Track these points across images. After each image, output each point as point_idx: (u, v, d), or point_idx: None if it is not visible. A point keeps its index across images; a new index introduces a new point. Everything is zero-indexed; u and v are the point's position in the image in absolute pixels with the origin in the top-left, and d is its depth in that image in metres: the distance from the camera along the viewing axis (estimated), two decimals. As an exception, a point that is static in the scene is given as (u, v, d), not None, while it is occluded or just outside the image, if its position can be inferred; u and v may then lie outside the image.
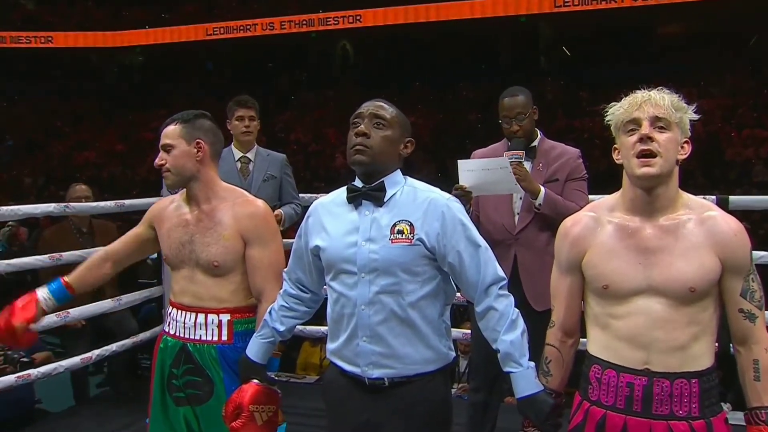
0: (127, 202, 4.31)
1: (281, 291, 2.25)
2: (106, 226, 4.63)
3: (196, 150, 2.35)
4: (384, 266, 1.95)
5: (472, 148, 3.26)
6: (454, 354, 2.11)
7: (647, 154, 1.76)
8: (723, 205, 3.32)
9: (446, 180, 3.03)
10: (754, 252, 1.85)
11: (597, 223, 1.90)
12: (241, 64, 21.98)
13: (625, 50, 17.80)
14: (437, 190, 2.06)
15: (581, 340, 2.00)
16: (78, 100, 22.60)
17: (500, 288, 1.98)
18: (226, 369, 2.33)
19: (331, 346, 2.10)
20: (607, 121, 1.85)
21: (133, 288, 4.44)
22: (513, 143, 3.01)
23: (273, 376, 2.30)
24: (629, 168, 1.80)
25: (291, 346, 5.39)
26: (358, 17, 18.99)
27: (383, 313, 1.96)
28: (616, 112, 1.83)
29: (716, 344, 1.87)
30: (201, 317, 2.35)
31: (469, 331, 3.74)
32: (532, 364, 1.94)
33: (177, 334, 2.38)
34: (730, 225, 1.80)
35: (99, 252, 2.59)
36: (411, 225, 1.96)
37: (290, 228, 4.20)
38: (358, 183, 2.04)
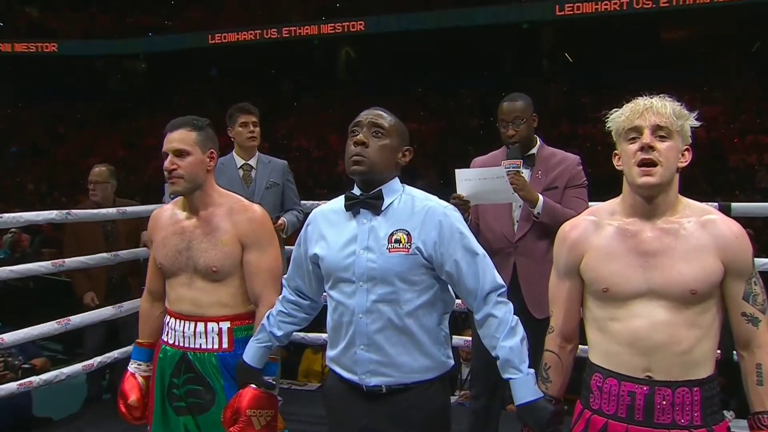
0: (129, 209, 4.31)
1: (280, 297, 2.25)
2: (122, 204, 4.53)
3: (209, 159, 2.35)
4: (382, 275, 1.95)
5: (474, 154, 3.26)
6: (452, 362, 2.10)
7: (648, 163, 1.75)
8: (725, 212, 3.29)
9: (448, 186, 3.02)
10: (757, 259, 1.84)
11: (596, 226, 1.89)
12: (244, 71, 22.03)
13: (629, 56, 17.81)
14: (435, 198, 2.06)
15: (581, 347, 1.99)
16: (82, 106, 22.67)
17: (499, 295, 1.97)
18: (227, 377, 2.32)
19: (330, 353, 2.10)
20: (608, 127, 1.85)
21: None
22: (510, 151, 3.00)
23: (272, 381, 2.29)
24: (630, 176, 1.79)
25: (293, 354, 5.39)
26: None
27: (381, 321, 1.96)
28: (617, 118, 1.82)
29: (718, 351, 1.86)
30: (200, 326, 2.33)
31: (470, 339, 3.74)
32: (532, 370, 1.93)
33: (176, 343, 2.37)
34: (731, 228, 1.79)
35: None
36: (408, 234, 1.96)
37: (293, 235, 4.20)
38: (356, 191, 2.04)
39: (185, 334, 2.35)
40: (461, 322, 4.98)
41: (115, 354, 4.09)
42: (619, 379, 1.80)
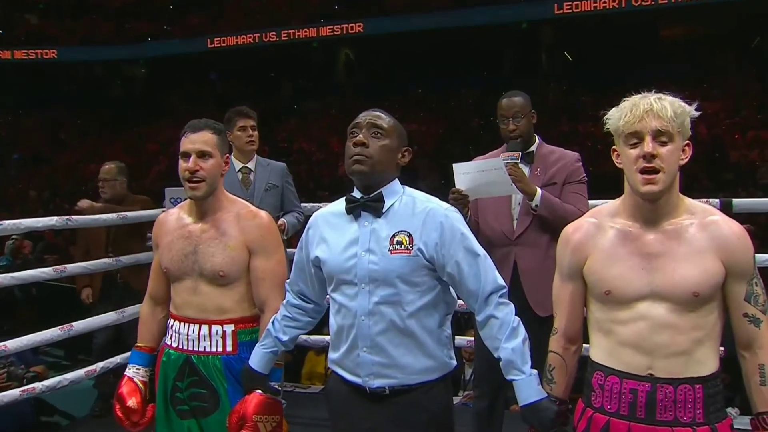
0: (130, 214, 4.30)
1: (284, 301, 2.25)
2: (135, 200, 4.54)
3: (224, 164, 2.36)
4: (383, 277, 1.96)
5: (475, 155, 3.25)
6: (455, 363, 2.11)
7: (650, 171, 1.74)
8: (727, 207, 3.30)
9: (449, 187, 3.01)
10: (759, 255, 1.83)
11: (598, 229, 1.89)
12: (244, 74, 22.05)
13: (628, 54, 17.79)
14: (436, 199, 2.06)
15: (583, 345, 1.98)
16: (82, 112, 22.70)
17: (500, 296, 1.98)
18: (231, 380, 2.32)
19: (332, 355, 2.11)
20: (607, 128, 1.83)
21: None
22: (510, 146, 3.01)
23: (277, 386, 2.29)
24: (632, 182, 1.79)
25: (296, 356, 5.39)
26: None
27: (383, 323, 1.97)
28: (617, 119, 1.80)
29: (722, 348, 1.85)
30: (205, 329, 2.33)
31: (473, 339, 3.73)
32: (535, 371, 1.93)
33: (180, 346, 2.37)
34: (732, 229, 1.79)
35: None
36: (410, 236, 1.97)
37: (294, 237, 4.20)
38: (356, 194, 2.04)
39: (189, 337, 2.34)
40: (464, 322, 4.98)
41: (117, 359, 4.09)
42: (620, 377, 1.79)
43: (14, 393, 3.57)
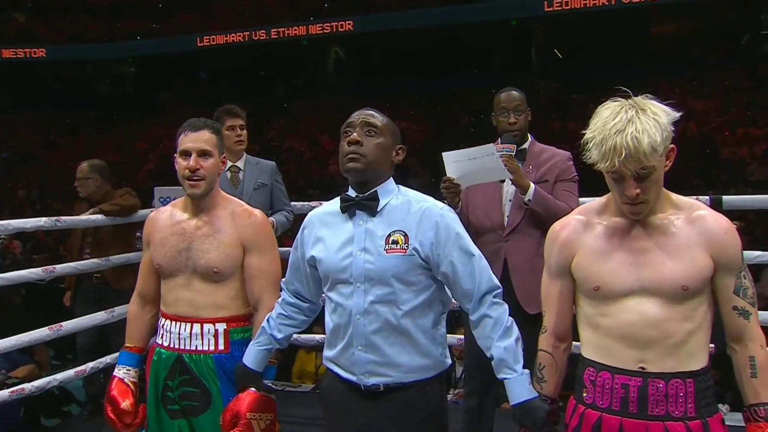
0: (119, 218, 4.28)
1: (280, 300, 2.25)
2: (116, 195, 4.45)
3: (222, 164, 2.38)
4: (379, 276, 1.96)
5: (464, 151, 3.25)
6: (449, 361, 2.11)
7: (636, 204, 1.75)
8: (717, 205, 3.31)
9: (440, 185, 3.01)
10: (749, 252, 1.84)
11: (586, 226, 1.89)
12: (234, 73, 21.98)
13: (619, 51, 17.83)
14: (431, 199, 2.07)
15: (574, 343, 1.98)
16: (72, 111, 22.58)
17: (495, 296, 1.98)
18: (223, 379, 2.32)
19: (328, 353, 2.11)
20: (587, 158, 1.77)
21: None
22: (503, 138, 3.00)
23: (270, 384, 2.28)
24: (617, 201, 1.80)
25: (286, 355, 5.38)
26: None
27: (378, 322, 1.97)
28: (596, 157, 1.73)
29: (712, 345, 1.86)
30: (197, 327, 2.33)
31: (463, 337, 3.73)
32: (527, 371, 1.93)
33: (171, 345, 2.36)
34: (720, 223, 1.79)
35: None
36: (405, 235, 1.97)
37: (283, 236, 4.18)
38: (351, 193, 2.05)
39: (181, 336, 2.34)
40: (454, 320, 4.97)
41: (107, 359, 4.06)
42: (612, 372, 1.79)
43: (3, 394, 3.54)
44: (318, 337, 4.22)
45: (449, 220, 2.00)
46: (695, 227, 1.78)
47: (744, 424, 1.80)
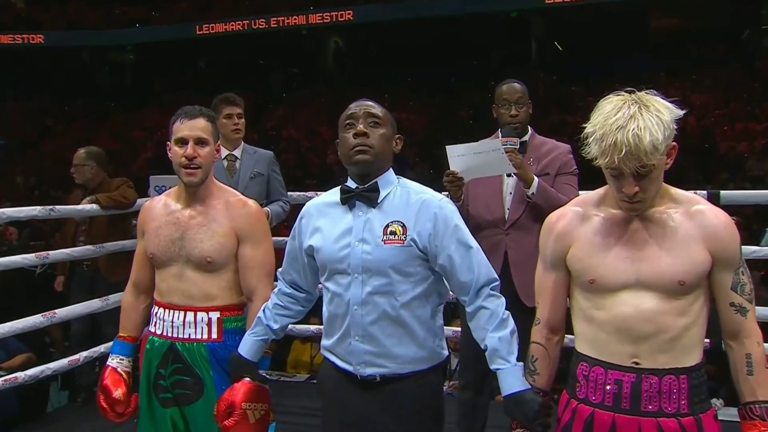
0: (113, 210, 4.27)
1: (276, 290, 2.25)
2: (112, 184, 4.46)
3: (216, 152, 2.37)
4: (377, 267, 1.95)
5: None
6: (447, 353, 2.12)
7: (634, 201, 1.73)
8: (714, 200, 3.31)
9: (439, 177, 3.00)
10: (746, 247, 1.82)
11: (582, 217, 1.87)
12: (233, 62, 21.92)
13: (619, 45, 17.80)
14: (430, 190, 2.06)
15: (568, 336, 1.97)
16: (69, 99, 22.51)
17: (492, 289, 1.98)
18: (216, 368, 2.31)
19: (325, 342, 2.11)
20: (587, 153, 1.75)
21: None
22: (504, 131, 2.99)
23: (265, 374, 2.28)
24: (616, 199, 1.78)
25: (281, 345, 5.37)
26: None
27: (375, 313, 1.97)
28: (596, 152, 1.72)
29: (707, 340, 1.85)
30: (190, 315, 2.32)
31: (459, 329, 3.72)
32: (521, 363, 1.92)
33: (164, 333, 2.35)
34: (719, 218, 1.77)
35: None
36: (403, 226, 1.97)
37: (279, 226, 4.18)
38: (351, 184, 2.04)
39: (174, 324, 2.33)
40: (450, 312, 4.97)
41: (101, 348, 4.06)
42: (605, 368, 1.78)
43: (-5, 383, 3.54)
44: (313, 327, 4.22)
45: (448, 211, 1.99)
46: (694, 222, 1.76)
47: (738, 420, 1.79)
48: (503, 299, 1.99)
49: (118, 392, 2.37)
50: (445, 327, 2.15)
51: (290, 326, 4.21)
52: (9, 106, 21.76)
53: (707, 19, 17.92)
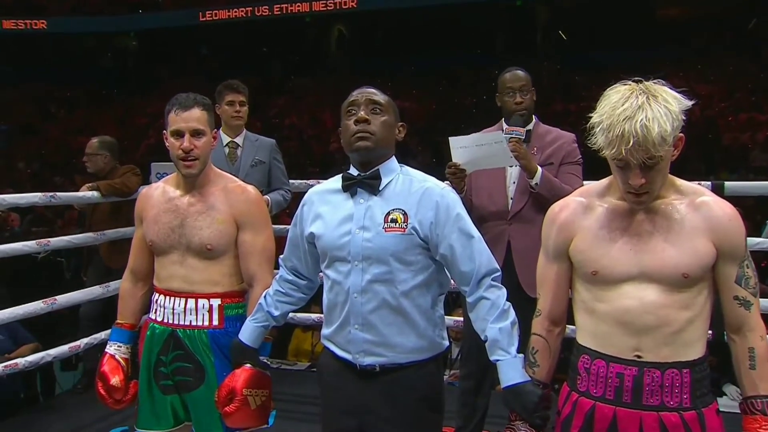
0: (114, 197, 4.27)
1: (277, 276, 2.24)
2: (120, 171, 4.49)
3: (213, 140, 2.36)
4: (377, 254, 1.94)
5: (467, 133, 3.22)
6: (447, 343, 2.11)
7: (639, 193, 1.71)
8: (718, 190, 3.29)
9: (441, 165, 2.99)
10: (747, 238, 1.80)
11: (586, 208, 1.85)
12: (236, 49, 21.86)
13: (623, 34, 17.70)
14: (432, 179, 2.04)
15: (569, 326, 1.95)
16: (72, 85, 22.48)
17: (493, 279, 1.97)
18: (217, 354, 2.31)
19: (325, 331, 2.10)
20: (593, 143, 1.73)
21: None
22: (512, 119, 2.97)
23: (266, 361, 2.29)
24: (620, 188, 1.76)
25: (282, 333, 5.39)
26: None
27: (375, 301, 1.96)
28: (602, 143, 1.70)
29: (710, 332, 1.83)
30: (191, 302, 2.32)
31: (460, 319, 3.72)
32: (521, 355, 1.91)
33: (165, 320, 2.35)
34: (724, 210, 1.75)
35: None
36: (405, 214, 1.95)
37: (281, 213, 4.17)
38: (353, 171, 2.02)
39: (175, 311, 2.33)
40: (451, 302, 4.97)
41: (101, 335, 4.06)
42: (607, 361, 1.77)
43: (-4, 369, 3.55)
44: (314, 316, 4.22)
45: (450, 200, 1.98)
46: (699, 213, 1.75)
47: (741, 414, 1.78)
48: (504, 290, 1.97)
49: (115, 379, 2.37)
50: (447, 317, 2.15)
51: (292, 315, 4.24)
52: (11, 92, 21.72)
53: (713, 9, 17.80)
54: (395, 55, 20.15)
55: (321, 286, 2.17)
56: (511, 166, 2.98)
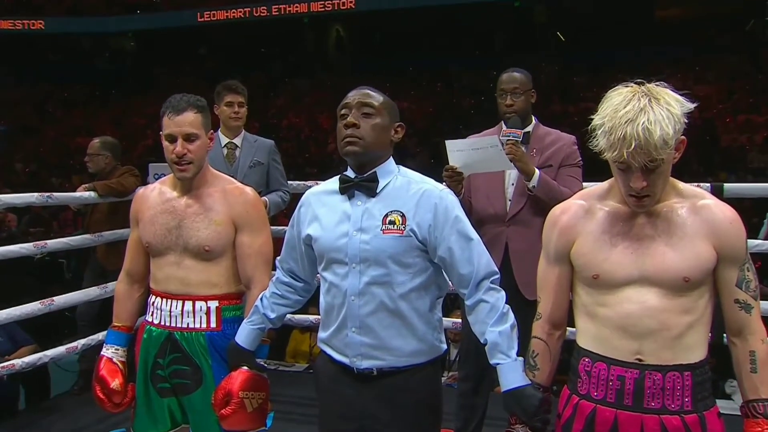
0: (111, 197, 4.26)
1: (274, 278, 2.23)
2: (120, 172, 4.49)
3: (209, 141, 2.33)
4: (375, 256, 1.93)
5: (466, 134, 3.21)
6: (445, 346, 2.09)
7: (640, 197, 1.70)
8: (717, 192, 3.29)
9: (439, 166, 2.98)
10: (749, 240, 1.80)
11: (587, 211, 1.84)
12: (234, 49, 21.85)
13: (623, 34, 17.72)
14: (431, 180, 2.03)
15: (569, 329, 1.94)
16: (70, 85, 22.46)
17: (492, 282, 1.95)
18: (215, 357, 2.30)
19: (321, 335, 2.08)
20: (594, 145, 1.72)
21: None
22: (511, 121, 2.96)
23: (263, 363, 2.27)
24: (623, 193, 1.75)
25: (280, 334, 5.38)
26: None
27: (373, 304, 1.94)
28: (603, 145, 1.68)
29: (709, 334, 1.83)
30: (188, 305, 2.31)
31: (458, 320, 3.71)
32: (521, 358, 1.90)
33: (162, 323, 2.34)
34: (725, 213, 1.75)
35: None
36: (403, 216, 1.94)
37: (279, 214, 4.16)
38: (350, 173, 2.01)
39: (172, 313, 2.32)
40: (449, 303, 4.97)
41: (99, 336, 4.05)
42: (608, 363, 1.76)
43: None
44: (312, 317, 4.21)
45: (448, 202, 1.96)
46: (700, 217, 1.74)
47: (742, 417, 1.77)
48: (503, 293, 1.96)
49: (115, 383, 2.35)
50: (444, 318, 2.14)
51: (289, 316, 4.22)
52: (9, 92, 21.71)
53: (712, 9, 17.81)
54: (393, 56, 20.17)
55: (318, 289, 2.16)
56: (506, 179, 2.97)
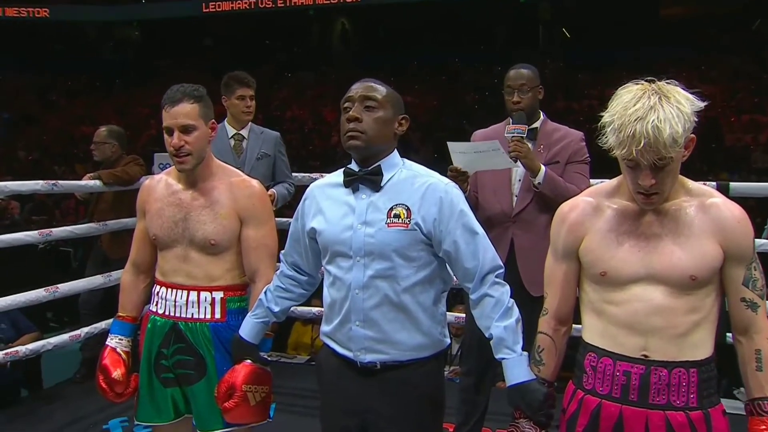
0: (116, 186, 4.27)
1: (278, 272, 2.23)
2: (125, 161, 4.49)
3: (210, 131, 2.31)
4: (379, 250, 1.92)
5: (470, 129, 3.21)
6: (448, 341, 2.08)
7: (649, 194, 1.70)
8: (723, 191, 3.27)
9: (443, 160, 2.98)
10: (756, 240, 1.80)
11: (595, 208, 1.84)
12: (239, 41, 21.82)
13: (627, 32, 17.68)
14: (436, 174, 2.02)
15: (575, 326, 1.95)
16: (74, 74, 22.44)
17: (497, 276, 1.95)
18: (218, 347, 2.30)
19: (324, 328, 2.08)
20: (603, 142, 1.71)
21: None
22: (516, 117, 2.95)
23: (265, 356, 2.28)
24: (629, 188, 1.75)
25: (282, 326, 5.38)
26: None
27: (377, 297, 1.94)
28: (612, 143, 1.68)
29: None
30: (193, 295, 2.30)
31: (461, 315, 3.71)
32: (526, 353, 1.90)
33: (167, 313, 2.34)
34: (733, 212, 1.74)
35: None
36: (408, 209, 1.93)
37: (283, 207, 4.16)
38: (354, 166, 2.00)
39: (177, 304, 2.31)
40: (452, 298, 4.97)
41: (102, 325, 4.06)
42: (614, 359, 1.76)
43: (-5, 357, 3.55)
44: (315, 309, 4.21)
45: (453, 196, 1.96)
46: (707, 215, 1.74)
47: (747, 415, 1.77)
48: (508, 287, 1.96)
49: (117, 372, 2.35)
50: (447, 313, 2.13)
51: (292, 308, 4.26)
52: (12, 80, 21.70)
53: (717, 9, 17.78)
54: (398, 50, 20.15)
55: (322, 282, 2.15)
56: (512, 176, 2.97)
